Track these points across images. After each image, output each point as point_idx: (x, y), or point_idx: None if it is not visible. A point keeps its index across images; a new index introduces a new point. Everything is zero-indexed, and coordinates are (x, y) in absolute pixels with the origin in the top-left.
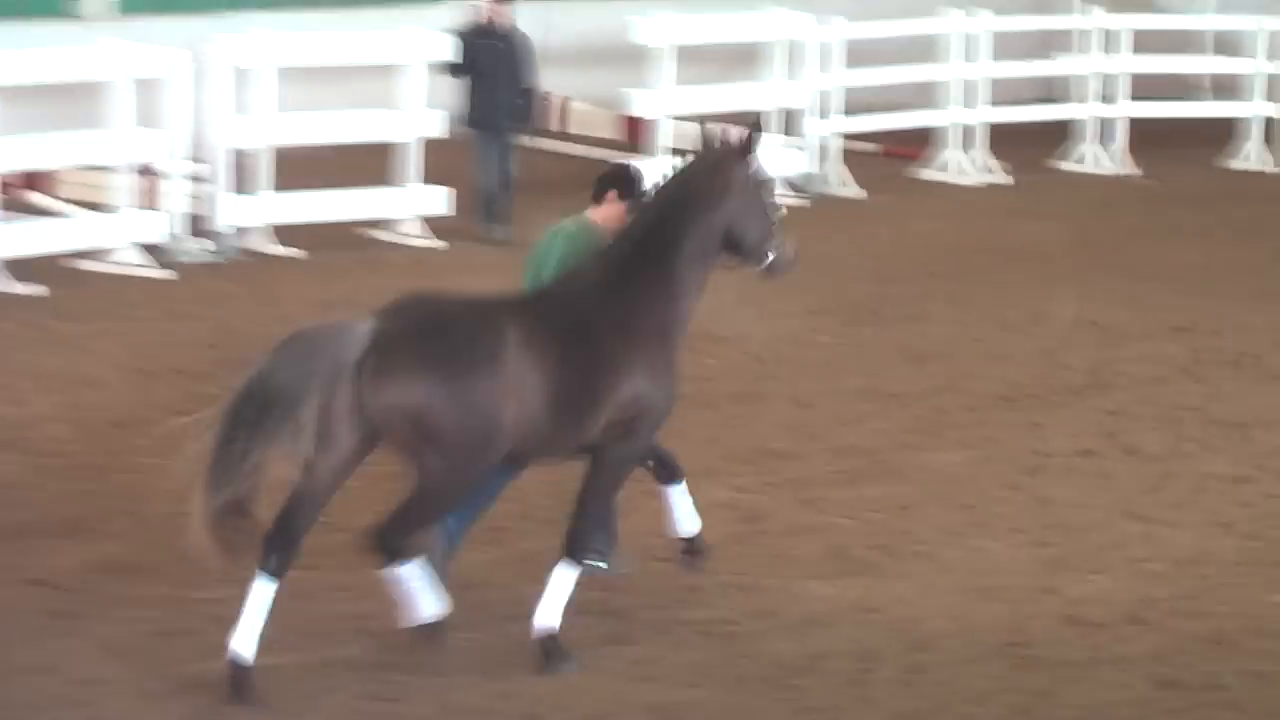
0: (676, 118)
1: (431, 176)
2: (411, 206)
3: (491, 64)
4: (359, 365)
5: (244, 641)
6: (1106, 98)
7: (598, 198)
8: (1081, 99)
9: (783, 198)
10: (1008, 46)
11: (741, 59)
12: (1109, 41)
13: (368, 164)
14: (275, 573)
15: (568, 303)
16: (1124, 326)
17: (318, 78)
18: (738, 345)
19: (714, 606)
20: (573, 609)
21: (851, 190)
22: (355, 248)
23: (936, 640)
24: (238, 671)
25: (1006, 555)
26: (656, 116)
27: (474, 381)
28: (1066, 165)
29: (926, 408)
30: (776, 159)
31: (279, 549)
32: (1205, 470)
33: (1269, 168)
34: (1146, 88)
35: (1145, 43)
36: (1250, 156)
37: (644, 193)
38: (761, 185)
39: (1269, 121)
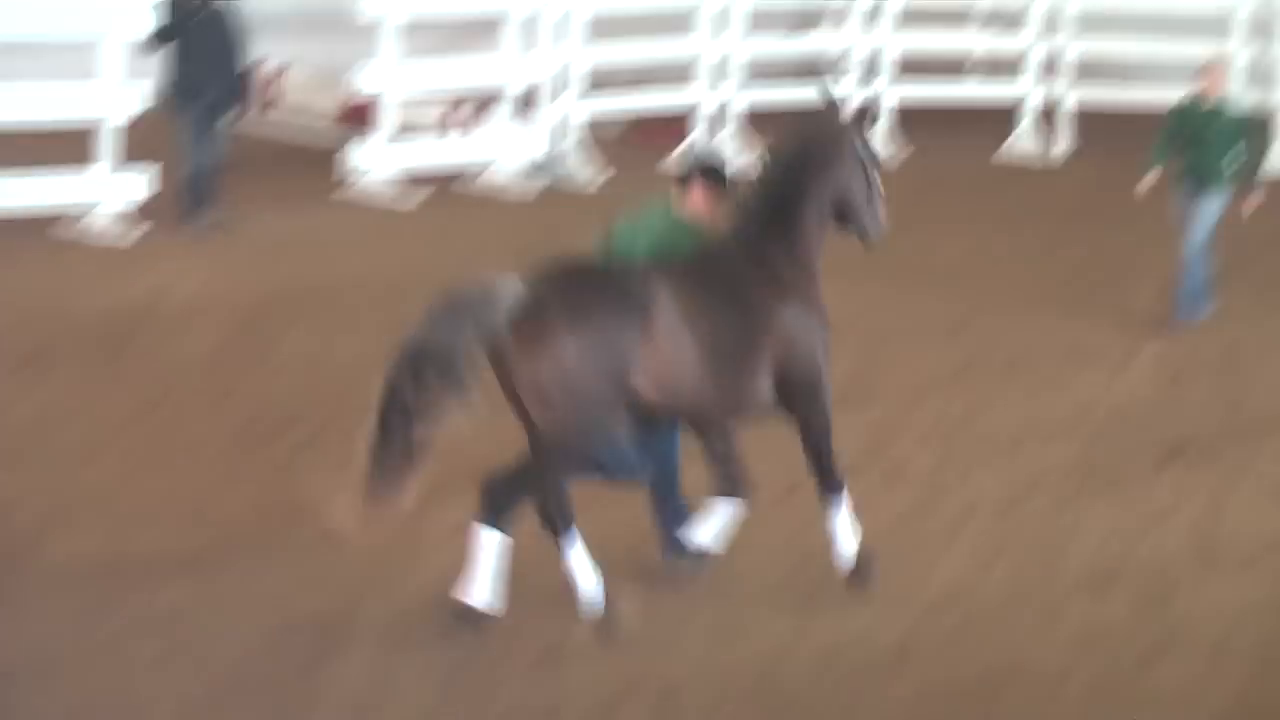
0: (404, 95)
1: (134, 156)
2: (109, 191)
3: (201, 35)
4: (509, 324)
5: (475, 591)
6: (870, 77)
7: (684, 185)
8: (844, 78)
9: (534, 183)
10: (766, 21)
11: (478, 31)
12: (873, 16)
13: (64, 144)
14: (495, 524)
15: (710, 261)
16: (887, 328)
17: (6, 51)
18: None
19: (442, 642)
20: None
21: (596, 176)
22: (47, 235)
23: (684, 684)
24: (462, 613)
25: (760, 587)
26: (381, 92)
27: (618, 341)
28: None
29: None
30: (514, 141)
31: (494, 500)
32: (975, 490)
33: (1043, 153)
34: (916, 67)
35: (914, 18)
36: (1023, 141)
37: (733, 181)
38: (871, 156)
39: (1047, 104)
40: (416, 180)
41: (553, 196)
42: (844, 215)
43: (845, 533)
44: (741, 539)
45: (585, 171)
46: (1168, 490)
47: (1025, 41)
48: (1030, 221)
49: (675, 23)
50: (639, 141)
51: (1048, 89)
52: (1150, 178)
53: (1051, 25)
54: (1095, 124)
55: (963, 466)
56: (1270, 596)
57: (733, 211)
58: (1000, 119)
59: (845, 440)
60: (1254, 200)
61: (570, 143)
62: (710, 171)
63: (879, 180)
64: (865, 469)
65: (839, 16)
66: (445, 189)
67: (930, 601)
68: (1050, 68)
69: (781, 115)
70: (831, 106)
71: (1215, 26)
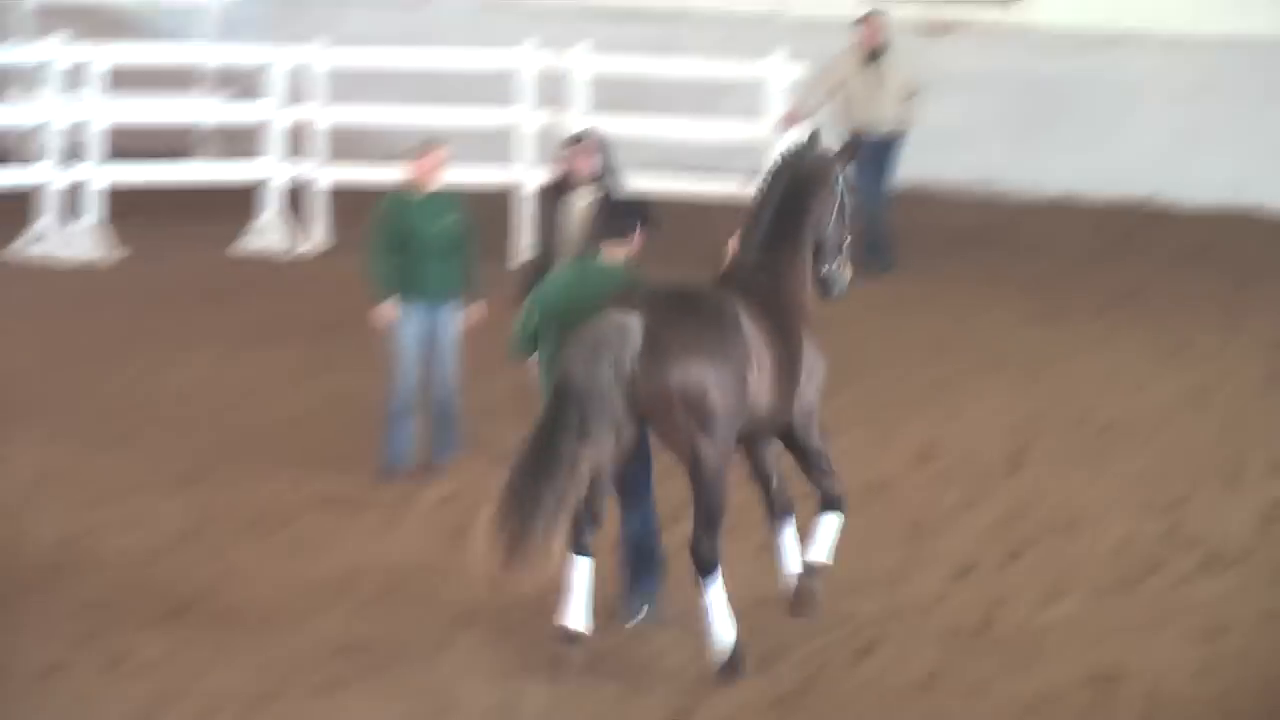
0: None
1: None
2: None
3: None
4: (636, 356)
5: (575, 616)
6: (74, 156)
7: (623, 234)
8: (37, 160)
9: None
10: None
11: None
12: (74, 82)
13: None
14: (586, 550)
15: (751, 284)
16: (103, 482)
17: None
18: None
19: None
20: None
21: None
22: None
23: None
24: (570, 637)
25: None
26: None
27: (736, 359)
28: (23, 249)
29: None
30: None
31: (582, 528)
32: (218, 686)
33: (291, 246)
34: (132, 143)
35: (126, 82)
36: (269, 232)
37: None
38: (848, 196)
39: (295, 185)
40: None
41: None
42: (816, 250)
43: (826, 539)
44: None
45: None
46: (447, 671)
47: (267, 111)
48: (279, 338)
49: None
50: None
51: (295, 168)
52: (389, 305)
53: (298, 91)
54: (355, 208)
55: (200, 656)
56: None
57: (745, 236)
58: (238, 205)
59: (59, 624)
60: (475, 313)
61: None
62: (649, 219)
63: (847, 229)
64: (77, 661)
65: (30, 81)
66: None
67: None
68: (298, 142)
69: None
70: (814, 141)
71: (500, 91)
